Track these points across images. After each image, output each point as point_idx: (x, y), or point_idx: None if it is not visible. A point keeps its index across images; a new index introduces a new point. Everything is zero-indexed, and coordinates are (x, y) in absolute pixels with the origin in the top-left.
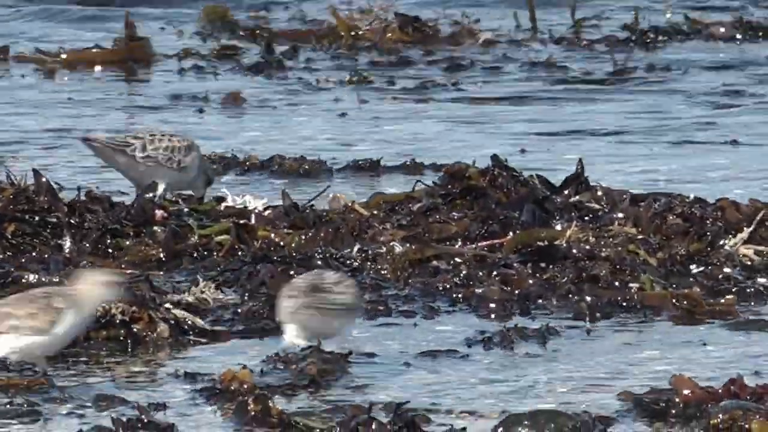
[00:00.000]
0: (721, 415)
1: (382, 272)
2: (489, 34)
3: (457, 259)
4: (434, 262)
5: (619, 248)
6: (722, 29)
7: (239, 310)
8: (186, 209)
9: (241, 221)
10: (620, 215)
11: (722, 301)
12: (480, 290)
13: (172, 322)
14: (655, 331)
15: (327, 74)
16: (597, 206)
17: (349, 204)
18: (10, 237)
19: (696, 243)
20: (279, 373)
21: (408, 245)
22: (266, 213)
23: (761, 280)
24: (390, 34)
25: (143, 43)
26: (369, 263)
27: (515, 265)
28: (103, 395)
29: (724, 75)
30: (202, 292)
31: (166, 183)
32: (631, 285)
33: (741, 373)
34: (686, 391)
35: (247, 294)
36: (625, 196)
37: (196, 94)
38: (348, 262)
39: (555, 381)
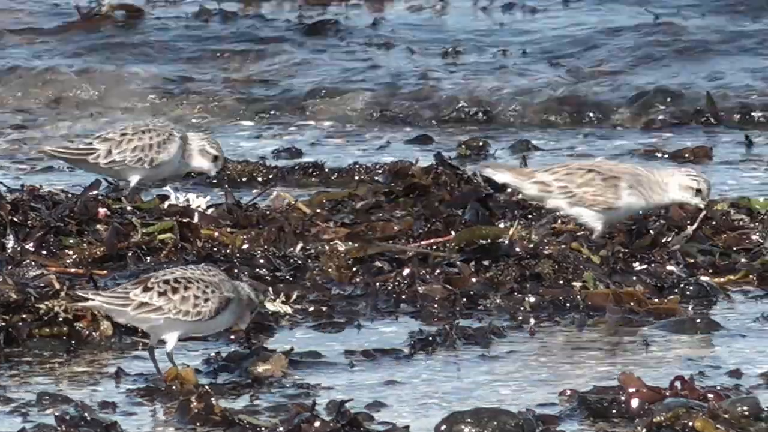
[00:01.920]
0: (664, 413)
1: (327, 271)
2: None
3: (400, 258)
4: (377, 262)
5: (562, 246)
6: None
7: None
8: (129, 207)
9: (185, 220)
10: None
11: (666, 300)
12: (422, 289)
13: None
14: (598, 330)
15: None
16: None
17: (293, 202)
18: None
19: (639, 240)
20: (223, 372)
21: (351, 243)
22: (209, 211)
23: (704, 279)
24: None
25: None
26: (312, 262)
27: (458, 263)
28: (46, 393)
29: None
30: None
31: (137, 180)
32: (574, 283)
33: (684, 373)
34: (632, 389)
35: None
36: None
37: None
38: (291, 261)
39: (497, 381)
